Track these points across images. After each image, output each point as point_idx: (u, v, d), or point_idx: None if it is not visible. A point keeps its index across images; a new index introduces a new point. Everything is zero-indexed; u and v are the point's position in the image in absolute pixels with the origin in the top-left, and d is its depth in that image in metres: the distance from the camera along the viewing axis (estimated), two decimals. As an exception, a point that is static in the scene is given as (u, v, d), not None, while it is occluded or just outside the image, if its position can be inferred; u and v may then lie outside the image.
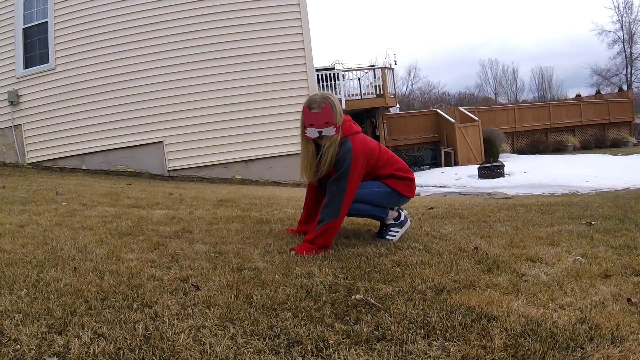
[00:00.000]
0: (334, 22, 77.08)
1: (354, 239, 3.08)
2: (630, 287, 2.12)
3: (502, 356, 1.50)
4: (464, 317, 1.78)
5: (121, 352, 1.50)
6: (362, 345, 1.59)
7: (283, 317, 1.79)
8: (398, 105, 25.30)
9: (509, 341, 1.59)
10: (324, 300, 1.96)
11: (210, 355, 1.50)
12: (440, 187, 13.19)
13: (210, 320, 1.75)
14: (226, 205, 4.94)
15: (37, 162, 9.88)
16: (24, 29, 9.77)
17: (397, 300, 1.96)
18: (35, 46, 9.81)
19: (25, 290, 1.99)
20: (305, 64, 9.96)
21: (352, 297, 1.99)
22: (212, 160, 9.87)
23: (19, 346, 1.50)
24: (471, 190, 11.71)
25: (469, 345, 1.57)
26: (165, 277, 2.24)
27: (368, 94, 18.73)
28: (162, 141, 9.77)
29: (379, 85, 18.46)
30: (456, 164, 18.48)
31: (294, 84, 9.89)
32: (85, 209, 4.39)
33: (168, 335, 1.61)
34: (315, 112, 2.80)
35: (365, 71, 19.62)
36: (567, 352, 1.53)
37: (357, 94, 18.65)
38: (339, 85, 17.30)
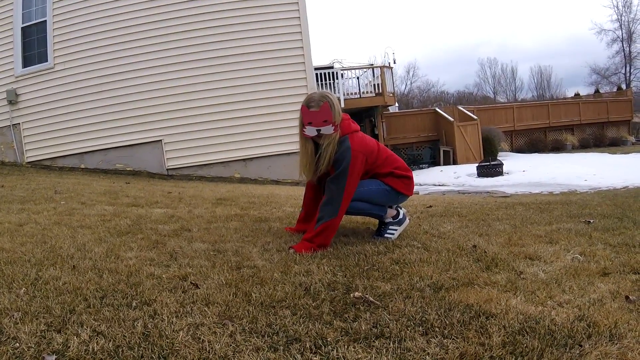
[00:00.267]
0: (333, 20, 77.08)
1: (352, 237, 3.08)
2: (628, 285, 2.12)
3: (500, 353, 1.51)
4: (462, 314, 1.78)
5: (120, 349, 1.50)
6: (360, 343, 1.59)
7: (282, 314, 1.80)
8: (397, 104, 25.28)
9: (507, 338, 1.59)
10: (322, 298, 1.96)
11: (209, 352, 1.51)
12: (439, 185, 13.20)
13: (209, 318, 1.75)
14: (225, 203, 4.94)
15: (36, 161, 9.88)
16: (22, 28, 9.77)
17: (395, 298, 1.96)
18: (34, 45, 9.81)
19: (24, 288, 1.99)
20: (304, 62, 9.96)
21: (351, 294, 1.99)
22: (211, 159, 9.87)
23: (18, 344, 1.50)
24: (470, 189, 11.72)
25: (467, 342, 1.58)
26: (164, 275, 2.24)
27: (367, 92, 18.71)
28: (160, 140, 9.77)
29: (378, 84, 18.44)
30: (455, 162, 18.49)
31: (293, 82, 9.88)
32: (84, 207, 4.39)
33: (167, 333, 1.61)
34: (313, 110, 2.80)
35: (364, 70, 19.59)
36: (565, 349, 1.53)
37: (356, 93, 18.63)
38: (337, 84, 17.28)
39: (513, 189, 10.64)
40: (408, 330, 1.67)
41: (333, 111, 2.79)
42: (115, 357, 1.46)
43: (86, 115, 9.66)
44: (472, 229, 3.45)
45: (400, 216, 3.12)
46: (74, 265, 2.37)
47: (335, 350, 1.53)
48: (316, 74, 14.29)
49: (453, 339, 1.61)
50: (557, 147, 23.32)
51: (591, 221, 3.57)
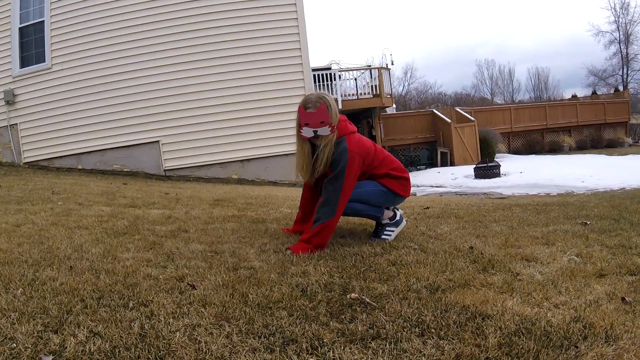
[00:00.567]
0: (330, 21, 77.12)
1: (349, 239, 3.08)
2: (624, 287, 2.13)
3: (496, 354, 1.51)
4: (459, 315, 1.79)
5: (117, 350, 1.50)
6: (357, 344, 1.59)
7: (278, 315, 1.80)
8: (394, 105, 25.28)
9: (503, 340, 1.60)
10: (319, 299, 1.97)
11: (205, 353, 1.51)
12: (437, 187, 13.21)
13: (205, 319, 1.75)
14: (222, 204, 4.94)
15: (33, 162, 9.86)
16: (20, 28, 9.75)
17: (392, 299, 1.97)
18: (32, 45, 9.79)
19: (21, 289, 1.99)
20: (301, 63, 9.96)
21: (348, 296, 2.00)
22: (208, 160, 9.86)
23: (15, 345, 1.50)
24: (467, 190, 11.73)
25: (463, 343, 1.58)
26: (161, 276, 2.24)
27: (364, 94, 18.72)
28: (158, 141, 9.76)
29: (376, 85, 18.45)
30: (452, 164, 18.52)
31: (290, 83, 9.89)
32: (81, 208, 4.39)
33: (163, 334, 1.61)
34: (310, 111, 2.80)
35: (362, 71, 19.61)
36: (561, 350, 1.54)
37: (353, 94, 18.64)
38: (335, 85, 17.29)
39: (510, 191, 10.67)
40: (404, 331, 1.67)
41: (330, 112, 2.79)
42: (112, 358, 1.46)
43: (84, 116, 9.65)
44: (469, 230, 3.46)
45: (397, 217, 3.13)
46: (71, 266, 2.36)
47: (331, 351, 1.53)
48: (314, 75, 14.32)
49: (449, 340, 1.61)
50: (555, 149, 23.37)
51: (588, 223, 3.58)
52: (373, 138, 18.00)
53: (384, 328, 1.69)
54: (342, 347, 1.56)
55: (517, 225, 3.63)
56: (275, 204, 5.07)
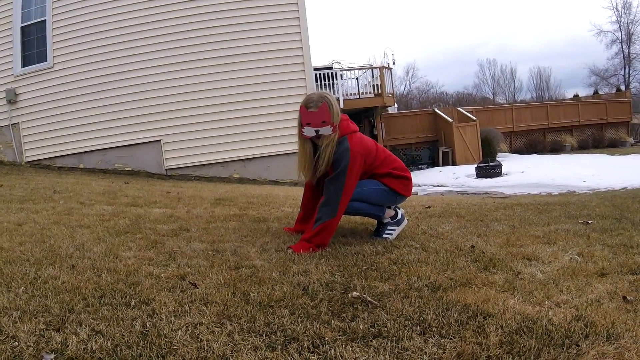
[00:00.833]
0: (332, 21, 77.01)
1: (351, 238, 3.08)
2: (626, 285, 2.13)
3: (498, 353, 1.51)
4: (460, 314, 1.79)
5: (119, 348, 1.50)
6: (358, 342, 1.59)
7: (280, 314, 1.80)
8: (396, 105, 25.26)
9: (505, 338, 1.60)
10: (320, 298, 1.97)
11: (207, 351, 1.51)
12: (438, 186, 13.21)
13: (207, 317, 1.75)
14: (224, 203, 4.94)
15: (35, 161, 9.88)
16: (22, 27, 9.77)
17: (393, 298, 1.97)
18: (33, 44, 9.81)
19: (23, 287, 1.99)
20: (303, 63, 9.97)
21: (349, 294, 2.00)
22: (209, 159, 9.87)
23: (16, 343, 1.51)
24: (469, 189, 11.73)
25: (465, 342, 1.58)
26: (162, 275, 2.24)
27: (366, 93, 18.71)
28: (159, 140, 9.77)
29: (377, 85, 18.44)
30: (454, 163, 18.50)
31: (292, 83, 9.89)
32: (83, 207, 4.39)
33: (165, 332, 1.61)
34: (312, 111, 2.80)
35: (364, 70, 19.60)
36: (563, 349, 1.54)
37: (355, 94, 18.64)
38: (337, 84, 17.28)
39: (512, 190, 10.65)
40: (406, 329, 1.68)
41: (331, 112, 2.80)
42: (113, 356, 1.47)
43: (85, 115, 9.67)
44: (470, 229, 3.45)
45: (399, 216, 3.13)
46: (72, 265, 2.37)
47: (332, 350, 1.53)
48: (315, 75, 14.32)
49: (450, 338, 1.61)
50: (556, 148, 23.34)
51: (589, 222, 3.58)
52: (374, 137, 17.99)
53: (386, 326, 1.69)
54: (344, 346, 1.56)
55: (519, 224, 3.63)
56: (277, 203, 5.07)
